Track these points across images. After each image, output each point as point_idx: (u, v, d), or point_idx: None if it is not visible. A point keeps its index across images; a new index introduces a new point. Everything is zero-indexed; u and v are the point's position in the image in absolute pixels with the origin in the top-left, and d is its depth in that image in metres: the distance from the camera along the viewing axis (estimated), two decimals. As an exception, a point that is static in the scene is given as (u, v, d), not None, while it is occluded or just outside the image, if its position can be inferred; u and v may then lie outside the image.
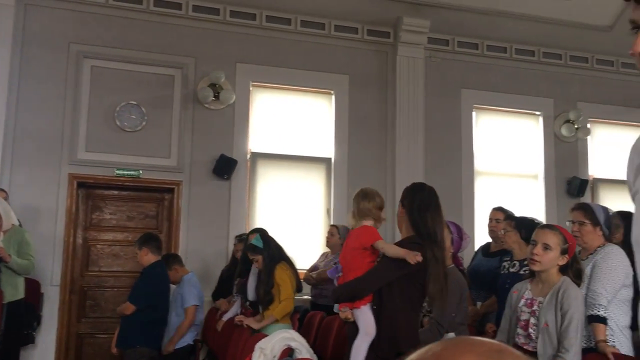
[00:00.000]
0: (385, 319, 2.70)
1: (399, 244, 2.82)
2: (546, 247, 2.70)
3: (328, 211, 6.59)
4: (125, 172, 6.01)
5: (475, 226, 6.72)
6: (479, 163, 7.18)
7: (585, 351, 3.08)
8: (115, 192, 6.21)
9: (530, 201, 7.25)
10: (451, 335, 3.07)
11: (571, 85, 7.49)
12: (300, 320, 4.92)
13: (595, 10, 6.63)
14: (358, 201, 3.00)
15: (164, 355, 4.66)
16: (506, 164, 7.33)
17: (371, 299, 2.74)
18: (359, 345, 2.69)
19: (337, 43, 6.76)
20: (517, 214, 4.58)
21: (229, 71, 6.33)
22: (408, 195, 2.89)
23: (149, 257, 4.56)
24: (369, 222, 2.93)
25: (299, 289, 4.24)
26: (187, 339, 4.71)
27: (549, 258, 2.69)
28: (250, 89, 6.52)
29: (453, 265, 3.45)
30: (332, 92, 6.77)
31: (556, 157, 7.39)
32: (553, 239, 2.71)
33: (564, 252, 2.72)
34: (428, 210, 2.80)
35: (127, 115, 6.07)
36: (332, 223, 6.08)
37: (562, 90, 7.43)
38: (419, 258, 2.61)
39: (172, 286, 4.91)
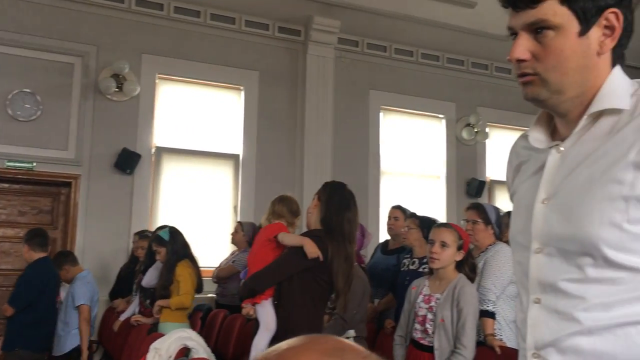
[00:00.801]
0: (283, 314, 2.69)
1: (302, 235, 2.83)
2: (444, 245, 2.82)
3: (235, 208, 6.51)
4: (17, 164, 5.64)
5: (381, 225, 6.88)
6: (385, 163, 7.35)
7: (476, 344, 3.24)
8: (6, 185, 5.81)
9: (433, 201, 7.53)
10: (351, 332, 3.12)
11: (472, 91, 7.84)
12: (203, 319, 4.84)
13: (495, 20, 6.95)
14: (274, 204, 3.06)
15: (54, 357, 4.43)
16: (411, 165, 7.56)
17: (272, 294, 2.73)
18: (258, 341, 2.67)
19: (248, 39, 6.70)
20: (420, 213, 4.74)
21: (133, 62, 6.10)
22: (327, 190, 2.89)
23: (31, 254, 4.33)
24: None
25: (199, 289, 4.17)
26: (77, 340, 4.50)
27: (447, 255, 2.81)
28: (156, 81, 6.32)
29: (356, 263, 3.49)
30: (241, 87, 6.69)
31: (457, 159, 7.71)
32: (449, 237, 2.83)
33: (459, 248, 2.85)
34: (349, 209, 2.83)
35: (21, 104, 5.69)
36: (238, 220, 6.03)
37: (463, 95, 7.76)
38: (317, 254, 2.61)
39: (67, 285, 4.69)
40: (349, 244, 2.76)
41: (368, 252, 4.99)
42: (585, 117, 1.15)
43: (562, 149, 1.19)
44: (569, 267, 1.11)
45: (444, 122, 7.76)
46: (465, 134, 7.71)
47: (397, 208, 4.64)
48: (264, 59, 6.75)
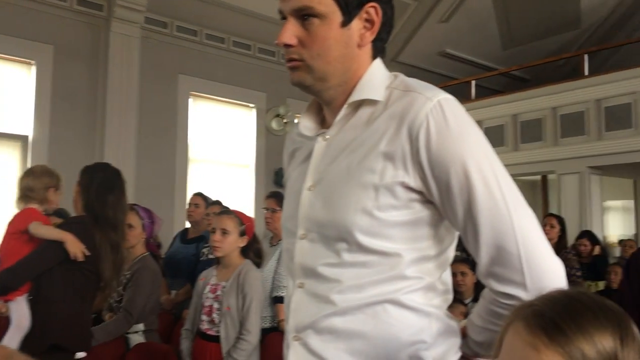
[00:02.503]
0: (41, 309, 2.43)
1: (63, 224, 2.59)
2: (224, 232, 2.80)
3: (22, 195, 5.88)
4: None
5: (187, 213, 6.72)
6: (193, 150, 7.20)
7: (270, 330, 3.30)
8: None
9: (242, 189, 7.57)
10: (140, 326, 2.97)
11: (282, 82, 7.98)
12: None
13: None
14: (21, 180, 2.70)
15: None
16: (221, 153, 7.50)
17: (28, 289, 2.46)
18: (9, 341, 2.37)
19: (41, 8, 6.05)
20: (229, 201, 4.69)
21: None
22: (87, 174, 2.66)
23: None
24: (34, 205, 2.64)
25: None
26: None
27: (229, 242, 2.80)
28: None
29: (147, 253, 3.33)
30: (32, 62, 6.04)
31: (266, 149, 7.82)
32: (230, 223, 2.82)
33: (242, 234, 2.85)
34: (111, 192, 2.63)
35: None
36: (26, 208, 5.45)
37: (274, 86, 7.86)
38: (79, 254, 2.40)
39: None
40: (114, 231, 2.59)
41: (166, 241, 4.83)
42: (345, 106, 1.19)
43: (327, 137, 1.22)
44: (328, 252, 1.15)
45: (254, 111, 7.81)
46: (274, 124, 7.86)
47: (198, 195, 4.56)
48: (61, 33, 6.17)
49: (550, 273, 1.08)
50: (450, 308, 3.65)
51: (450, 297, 1.23)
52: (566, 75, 8.75)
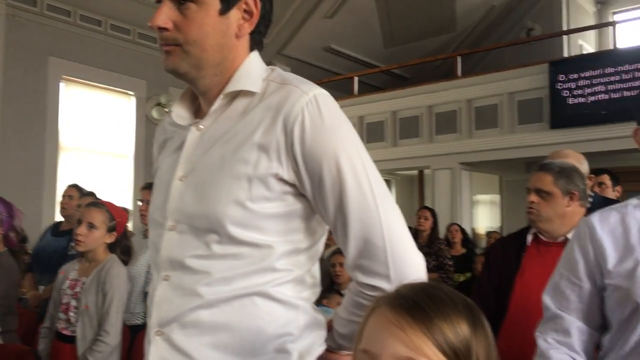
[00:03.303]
0: None
1: None
2: (91, 226, 2.65)
3: None
4: None
5: (58, 204, 6.32)
6: (65, 138, 6.77)
7: (142, 327, 3.18)
8: None
9: (120, 180, 7.24)
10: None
11: (164, 70, 7.69)
12: None
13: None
14: None
15: None
16: (96, 141, 7.13)
17: None
18: None
19: None
20: (105, 192, 4.44)
21: None
22: None
23: None
24: None
25: None
26: None
27: (95, 237, 2.65)
28: None
29: (5, 249, 3.06)
30: None
31: (146, 138, 7.53)
32: (98, 217, 2.67)
33: (111, 229, 2.71)
34: None
35: None
36: None
37: (155, 74, 7.57)
38: None
39: None
40: None
41: (34, 234, 4.50)
42: (221, 96, 1.17)
43: (201, 127, 1.20)
44: (197, 243, 1.12)
45: (133, 99, 7.50)
46: (155, 114, 7.59)
47: (73, 187, 4.31)
48: None
49: (412, 267, 1.12)
50: (328, 299, 3.70)
51: (318, 290, 1.25)
52: (443, 76, 9.24)
